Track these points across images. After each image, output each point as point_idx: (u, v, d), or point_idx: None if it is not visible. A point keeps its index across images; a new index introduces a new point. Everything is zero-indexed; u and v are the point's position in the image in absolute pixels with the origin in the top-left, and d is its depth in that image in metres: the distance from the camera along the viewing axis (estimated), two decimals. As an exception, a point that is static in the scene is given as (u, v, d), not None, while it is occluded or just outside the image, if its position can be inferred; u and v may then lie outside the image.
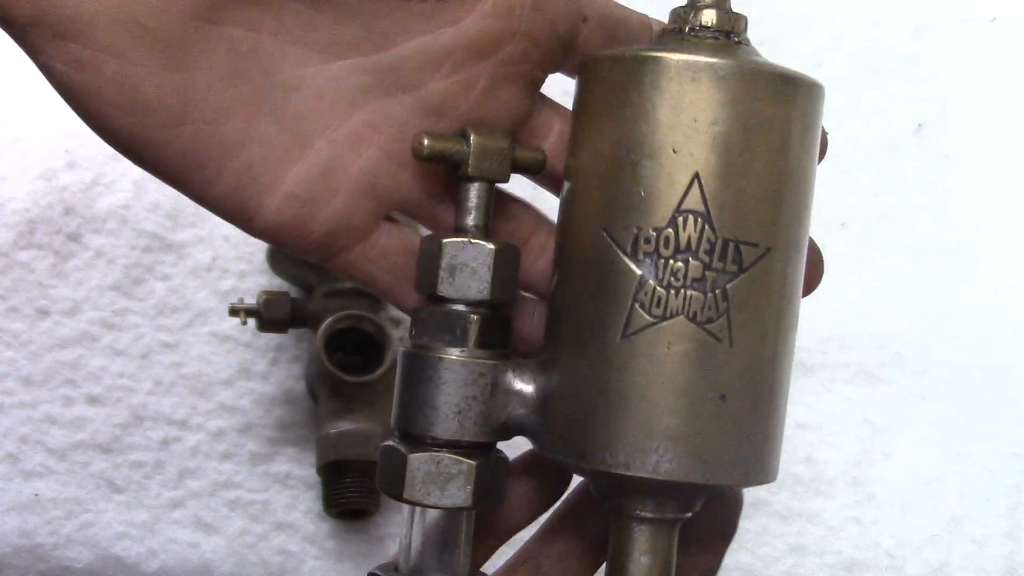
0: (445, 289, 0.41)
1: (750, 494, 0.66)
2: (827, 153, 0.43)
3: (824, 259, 0.44)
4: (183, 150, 0.38)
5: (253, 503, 0.70)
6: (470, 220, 0.41)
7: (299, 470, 0.71)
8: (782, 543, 0.72)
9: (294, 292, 0.72)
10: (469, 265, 0.41)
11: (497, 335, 0.41)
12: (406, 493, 0.40)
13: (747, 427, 0.39)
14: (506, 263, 0.41)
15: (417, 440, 0.40)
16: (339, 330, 0.67)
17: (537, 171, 0.43)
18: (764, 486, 0.43)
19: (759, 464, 0.40)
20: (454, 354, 0.40)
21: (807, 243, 0.41)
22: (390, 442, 0.41)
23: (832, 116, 0.78)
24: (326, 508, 0.68)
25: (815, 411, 0.74)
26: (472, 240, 0.41)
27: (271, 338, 0.73)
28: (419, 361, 0.41)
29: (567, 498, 0.45)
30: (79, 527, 0.69)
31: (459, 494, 0.40)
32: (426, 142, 0.41)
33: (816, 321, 0.75)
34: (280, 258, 0.70)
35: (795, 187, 0.40)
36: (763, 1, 0.79)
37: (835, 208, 0.77)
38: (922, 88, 0.79)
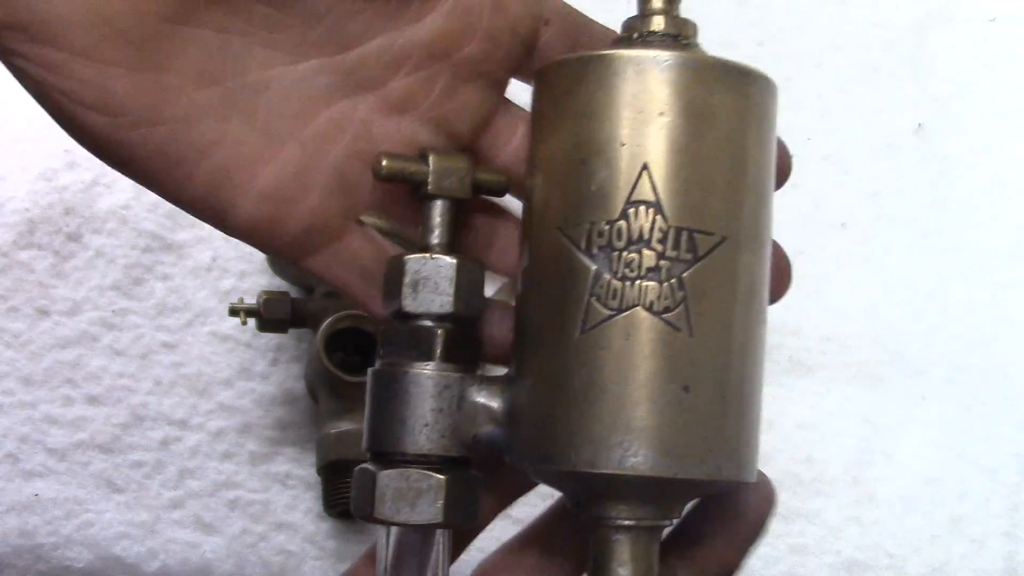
0: (409, 304, 0.41)
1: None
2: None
3: (791, 266, 0.43)
4: (156, 150, 0.39)
5: (253, 503, 0.70)
6: (434, 238, 0.42)
7: (299, 470, 0.71)
8: (782, 543, 0.72)
9: (294, 292, 0.72)
10: (431, 279, 0.41)
11: (463, 350, 0.41)
12: (376, 512, 0.39)
13: (715, 419, 0.38)
14: (468, 276, 0.41)
15: (387, 458, 0.40)
16: (339, 330, 0.67)
17: (500, 193, 0.43)
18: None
19: (731, 459, 0.39)
20: (419, 368, 0.40)
21: (769, 238, 0.41)
22: (363, 465, 0.41)
23: (832, 116, 0.79)
24: (326, 508, 0.68)
25: (815, 411, 0.74)
26: (433, 255, 0.41)
27: (271, 338, 0.73)
28: (386, 377, 0.41)
29: (541, 515, 0.45)
30: (79, 527, 0.69)
31: (430, 510, 0.39)
32: (384, 162, 0.41)
33: (816, 321, 0.75)
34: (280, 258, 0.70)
35: (749, 177, 0.40)
36: (763, 1, 0.79)
37: (835, 208, 0.77)
38: (922, 88, 0.79)
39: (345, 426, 0.67)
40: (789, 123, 0.76)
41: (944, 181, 0.78)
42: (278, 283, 0.73)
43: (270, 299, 0.68)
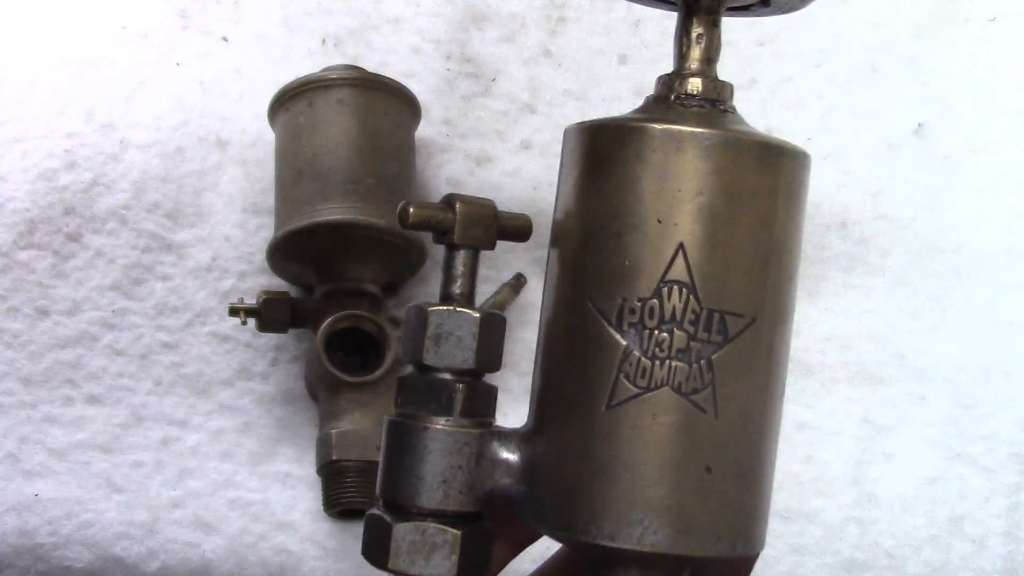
0: (430, 358, 0.41)
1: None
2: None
3: None
4: None
5: (253, 503, 0.70)
6: (456, 288, 0.42)
7: (299, 470, 0.71)
8: (782, 543, 0.72)
9: (294, 292, 0.72)
10: (455, 334, 0.41)
11: (482, 404, 0.41)
12: (391, 563, 0.40)
13: (733, 499, 0.39)
14: (491, 331, 0.41)
15: (402, 509, 0.40)
16: (339, 330, 0.67)
17: (523, 238, 0.43)
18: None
19: (745, 535, 0.40)
20: (439, 423, 0.40)
21: (793, 311, 0.41)
22: (375, 511, 0.41)
23: (832, 116, 0.78)
24: (326, 508, 0.68)
25: (815, 411, 0.74)
26: (457, 308, 0.41)
27: (271, 338, 0.73)
28: (404, 430, 0.41)
29: (544, 563, 0.45)
30: (79, 527, 0.69)
31: (444, 564, 0.40)
32: (412, 210, 0.41)
33: (816, 321, 0.75)
34: (280, 258, 0.70)
35: (780, 256, 0.40)
36: (763, 1, 0.79)
37: (835, 208, 0.76)
38: (922, 88, 0.79)
39: (345, 426, 0.67)
40: (789, 123, 0.77)
41: (944, 181, 0.78)
42: (278, 283, 0.73)
43: (270, 299, 0.68)
